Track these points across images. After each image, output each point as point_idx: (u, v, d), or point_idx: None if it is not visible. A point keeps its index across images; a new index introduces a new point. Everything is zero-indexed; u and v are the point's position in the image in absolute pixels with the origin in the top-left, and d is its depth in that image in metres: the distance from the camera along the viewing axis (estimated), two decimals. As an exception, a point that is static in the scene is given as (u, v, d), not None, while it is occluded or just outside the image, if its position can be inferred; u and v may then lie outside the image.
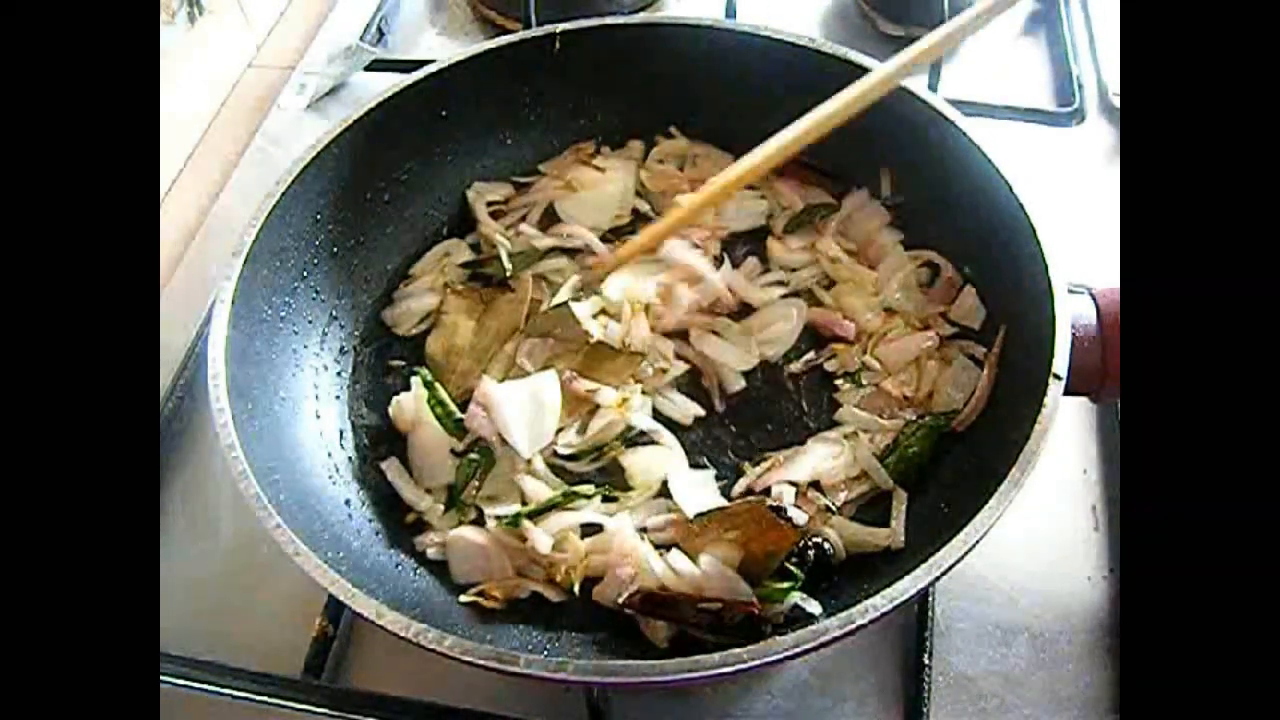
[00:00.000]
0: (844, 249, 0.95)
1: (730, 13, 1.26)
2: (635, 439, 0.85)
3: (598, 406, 0.85)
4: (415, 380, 0.87)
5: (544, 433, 0.82)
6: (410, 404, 0.86)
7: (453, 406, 0.85)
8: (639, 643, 0.73)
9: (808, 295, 0.94)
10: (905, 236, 0.95)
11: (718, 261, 0.95)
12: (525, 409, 0.82)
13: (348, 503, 0.81)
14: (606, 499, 0.81)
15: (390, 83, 0.92)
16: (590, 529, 0.79)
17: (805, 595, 0.71)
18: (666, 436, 0.85)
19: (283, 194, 0.84)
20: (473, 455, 0.83)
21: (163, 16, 1.13)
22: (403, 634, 0.62)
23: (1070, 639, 0.79)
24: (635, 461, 0.83)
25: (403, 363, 0.91)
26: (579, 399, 0.85)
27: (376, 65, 1.25)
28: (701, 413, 0.87)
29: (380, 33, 1.31)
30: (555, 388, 0.83)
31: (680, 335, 0.91)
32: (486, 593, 0.76)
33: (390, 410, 0.87)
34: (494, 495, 0.81)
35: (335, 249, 0.91)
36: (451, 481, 0.82)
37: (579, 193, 1.00)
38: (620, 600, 0.72)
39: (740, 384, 0.89)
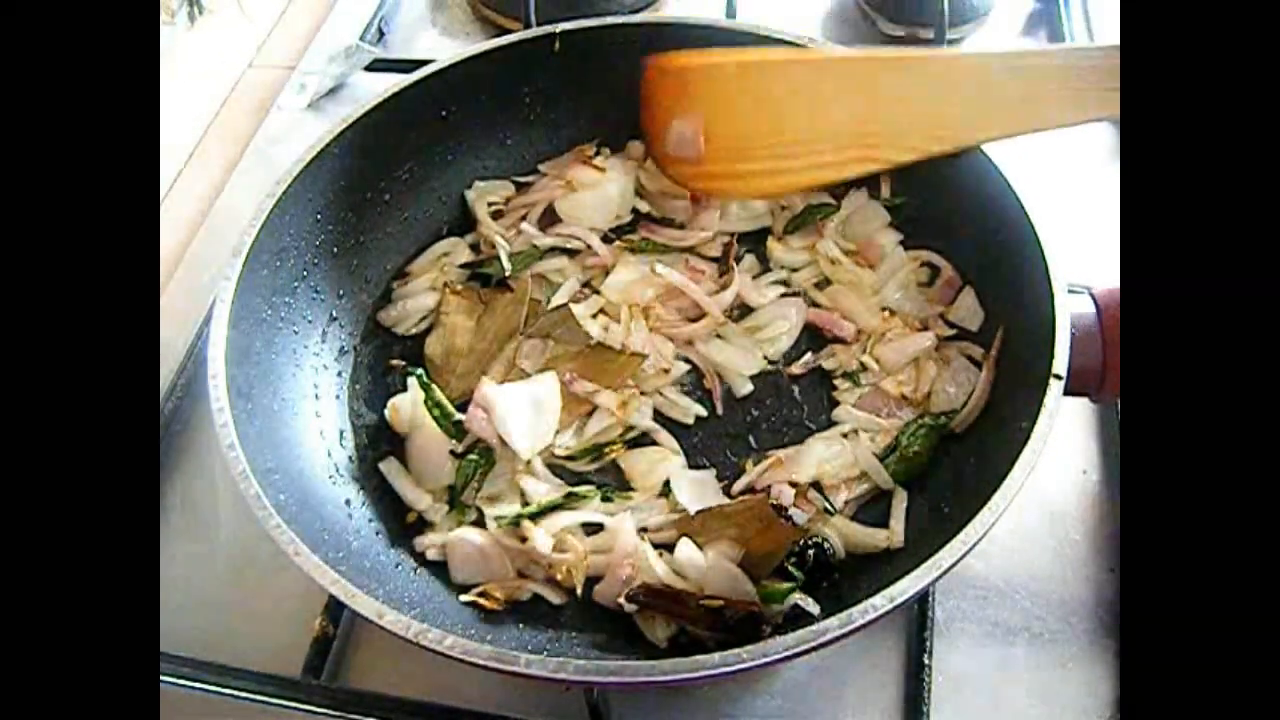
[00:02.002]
0: (844, 249, 0.95)
1: (730, 13, 1.26)
2: (635, 440, 0.85)
3: (596, 408, 0.85)
4: (411, 382, 0.87)
5: (543, 434, 0.82)
6: (407, 406, 0.86)
7: (450, 408, 0.85)
8: (639, 643, 0.73)
9: (807, 295, 0.94)
10: (905, 237, 0.95)
11: (720, 267, 0.96)
12: (525, 410, 0.82)
13: (348, 503, 0.81)
14: (606, 499, 0.81)
15: (390, 83, 0.92)
16: (591, 529, 0.79)
17: (805, 595, 0.71)
18: (666, 437, 0.85)
19: (283, 194, 0.84)
20: (472, 456, 0.83)
21: (163, 16, 1.13)
22: (403, 634, 0.62)
23: (1070, 639, 0.79)
24: (635, 464, 0.83)
25: (403, 362, 0.91)
26: (579, 401, 0.85)
27: (376, 65, 1.25)
28: (704, 412, 0.87)
29: (380, 33, 1.31)
30: (555, 389, 0.83)
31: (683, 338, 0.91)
32: (487, 593, 0.76)
33: (386, 413, 0.87)
34: (494, 496, 0.81)
35: (335, 249, 0.91)
36: (451, 483, 0.82)
37: (579, 193, 1.00)
38: (623, 596, 0.72)
39: (748, 388, 0.88)
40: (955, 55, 0.82)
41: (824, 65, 0.85)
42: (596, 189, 1.00)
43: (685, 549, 0.75)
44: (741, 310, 0.93)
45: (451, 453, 0.83)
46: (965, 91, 0.78)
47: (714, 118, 0.88)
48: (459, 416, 0.84)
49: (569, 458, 0.84)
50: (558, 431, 0.83)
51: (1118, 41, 0.69)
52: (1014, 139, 0.77)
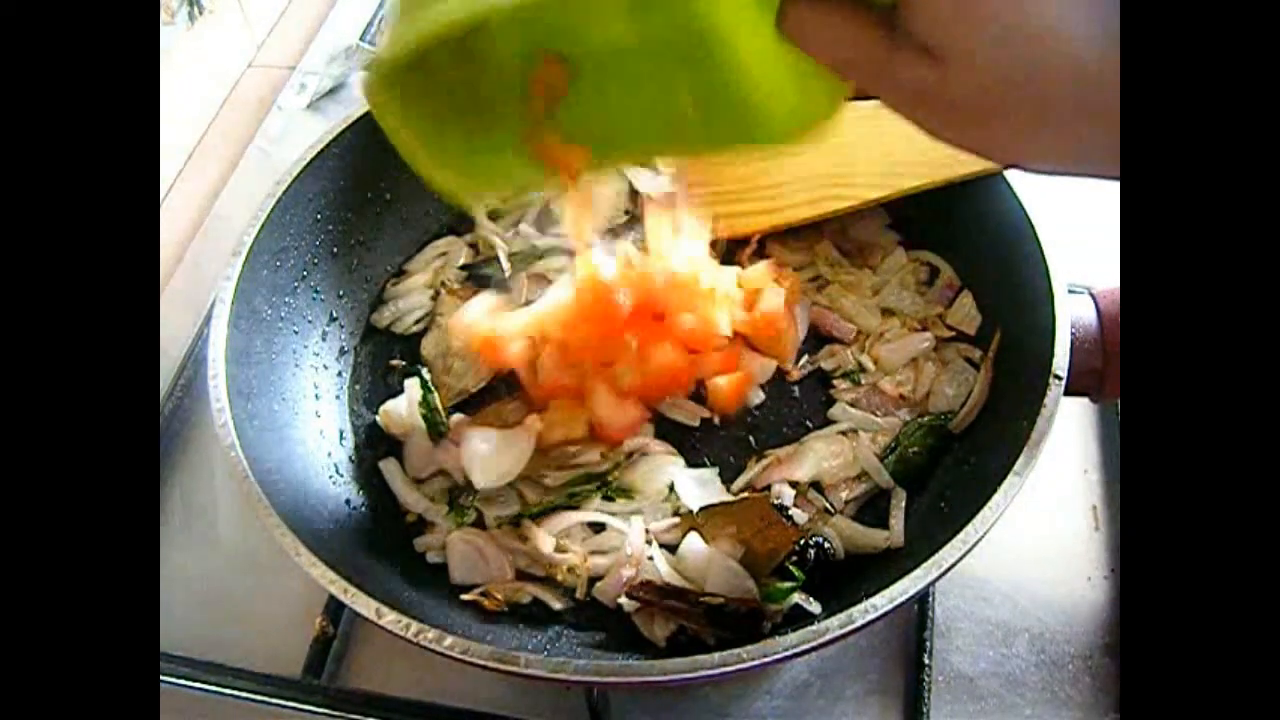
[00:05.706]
0: (843, 249, 0.95)
1: (730, 13, 1.26)
2: (633, 449, 0.84)
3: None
4: (409, 383, 0.86)
5: (505, 473, 0.80)
6: (401, 410, 0.85)
7: (443, 413, 0.84)
8: (639, 643, 0.73)
9: (807, 296, 0.94)
10: (905, 237, 0.95)
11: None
12: (491, 452, 0.80)
13: (348, 503, 0.81)
14: (607, 499, 0.80)
15: (390, 83, 0.92)
16: (592, 528, 0.79)
17: (805, 595, 0.71)
18: (663, 446, 0.83)
19: (283, 194, 0.84)
20: (472, 456, 0.83)
21: (163, 16, 1.13)
22: (403, 634, 0.62)
23: (1070, 639, 0.79)
24: (635, 475, 0.82)
25: (403, 363, 0.91)
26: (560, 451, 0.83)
27: (376, 65, 1.25)
28: (708, 414, 0.87)
29: (381, 33, 1.31)
30: (529, 441, 0.81)
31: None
32: (488, 593, 0.76)
33: (379, 419, 0.86)
34: (493, 497, 0.81)
35: (335, 249, 0.91)
36: (451, 485, 0.82)
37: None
38: (624, 595, 0.72)
39: (760, 397, 0.87)
40: None
41: None
42: (591, 189, 1.00)
43: (692, 542, 0.74)
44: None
45: (451, 454, 0.83)
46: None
47: (694, 170, 0.96)
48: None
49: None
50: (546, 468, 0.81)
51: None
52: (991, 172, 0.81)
